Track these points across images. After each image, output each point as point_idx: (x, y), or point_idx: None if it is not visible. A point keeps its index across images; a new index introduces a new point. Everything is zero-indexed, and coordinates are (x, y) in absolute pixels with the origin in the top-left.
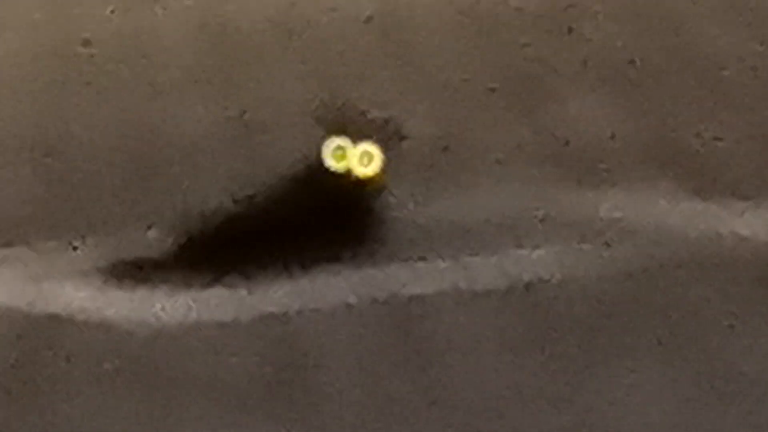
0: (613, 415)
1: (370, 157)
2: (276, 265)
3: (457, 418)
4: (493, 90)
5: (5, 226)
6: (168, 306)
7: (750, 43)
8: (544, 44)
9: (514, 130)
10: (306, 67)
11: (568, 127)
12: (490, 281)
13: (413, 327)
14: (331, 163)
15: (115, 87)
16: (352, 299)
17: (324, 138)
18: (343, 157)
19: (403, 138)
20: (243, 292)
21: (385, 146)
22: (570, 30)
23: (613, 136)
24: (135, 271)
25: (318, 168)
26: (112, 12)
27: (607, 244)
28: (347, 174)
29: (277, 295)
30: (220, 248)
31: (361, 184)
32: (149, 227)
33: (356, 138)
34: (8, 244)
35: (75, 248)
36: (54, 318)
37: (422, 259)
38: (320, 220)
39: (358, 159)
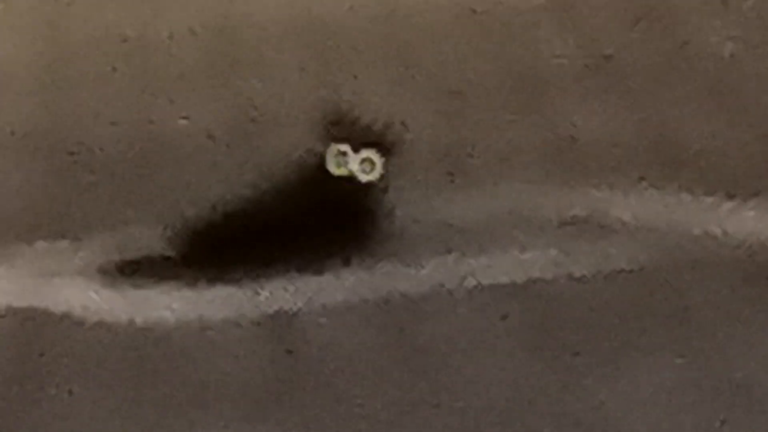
0: (613, 415)
1: (372, 164)
2: (277, 266)
3: (457, 418)
4: (493, 91)
5: (5, 224)
6: (169, 306)
7: (750, 43)
8: (545, 44)
9: (515, 130)
10: (307, 69)
11: (568, 127)
12: (490, 281)
13: (414, 327)
14: (333, 168)
15: (115, 86)
16: (354, 299)
17: (325, 143)
18: (344, 162)
19: (404, 142)
20: (243, 292)
21: (386, 151)
22: (570, 30)
23: (613, 137)
24: (135, 271)
25: (319, 171)
26: (113, 10)
27: (608, 244)
28: (348, 180)
29: (278, 295)
30: (221, 248)
31: (363, 188)
32: (150, 227)
33: (357, 144)
34: (8, 243)
35: (75, 247)
36: (54, 317)
37: (422, 259)
38: (321, 221)
39: (359, 165)
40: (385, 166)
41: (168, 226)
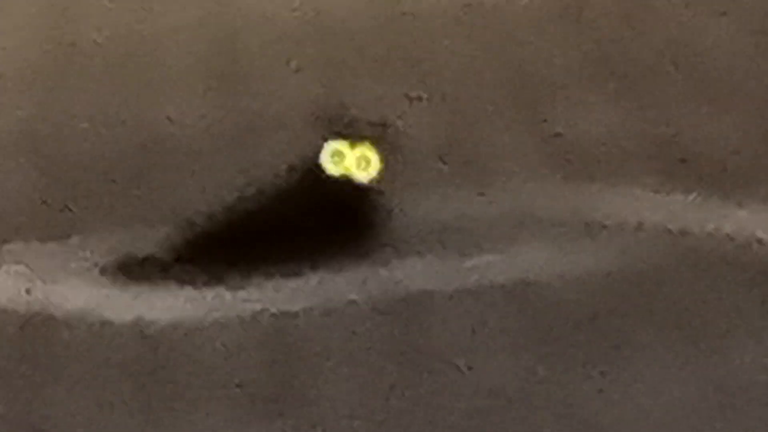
0: (613, 415)
1: (368, 161)
2: (276, 266)
3: (457, 417)
4: (492, 90)
5: (4, 224)
6: (168, 306)
7: (750, 44)
8: (545, 44)
9: (514, 130)
10: (305, 70)
11: (567, 127)
12: (488, 281)
13: (413, 327)
14: (329, 166)
15: (115, 86)
16: (352, 299)
17: (322, 141)
18: (341, 160)
19: (402, 142)
20: (243, 291)
21: (383, 149)
22: (571, 30)
23: (613, 137)
24: (134, 271)
25: (317, 170)
26: (113, 11)
27: (608, 244)
28: (346, 177)
29: (277, 295)
30: (220, 249)
31: (360, 187)
32: (149, 226)
33: (354, 141)
34: (7, 242)
35: (75, 247)
36: (53, 317)
37: (421, 258)
38: (320, 221)
39: (356, 162)
40: (382, 163)
41: (167, 227)
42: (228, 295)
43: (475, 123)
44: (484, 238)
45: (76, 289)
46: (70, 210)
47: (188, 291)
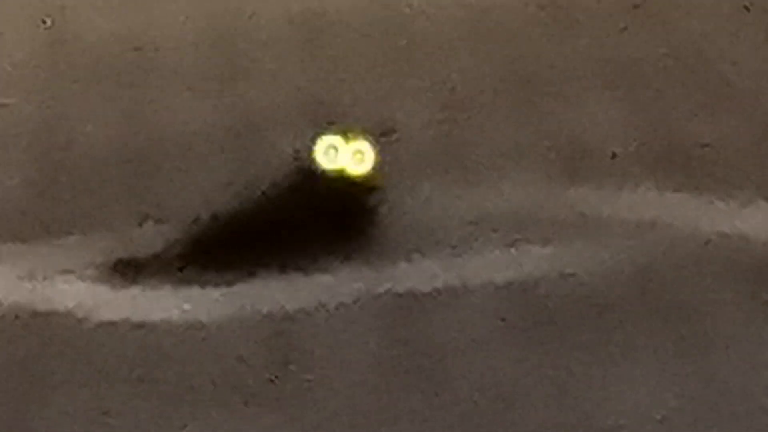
0: (613, 412)
1: (363, 155)
2: (275, 266)
3: (457, 414)
4: (492, 90)
5: (5, 224)
6: (168, 306)
7: (751, 45)
8: (545, 44)
9: (514, 129)
10: (305, 71)
11: (568, 128)
12: (489, 280)
13: (412, 325)
14: (324, 161)
15: (114, 86)
16: (351, 297)
17: (316, 137)
18: (335, 155)
19: (402, 142)
20: (241, 291)
21: (379, 145)
22: (571, 31)
23: (614, 137)
24: (133, 270)
25: (314, 167)
26: (112, 11)
27: (608, 244)
28: (341, 172)
29: (277, 295)
30: (219, 249)
31: (355, 182)
32: (148, 226)
33: (349, 136)
34: (5, 241)
35: (75, 248)
36: (54, 316)
37: (421, 257)
38: (319, 220)
39: (350, 157)
40: (377, 158)
41: (165, 227)
42: (227, 295)
43: (474, 122)
44: (484, 237)
45: (74, 289)
46: (69, 210)
47: (187, 291)
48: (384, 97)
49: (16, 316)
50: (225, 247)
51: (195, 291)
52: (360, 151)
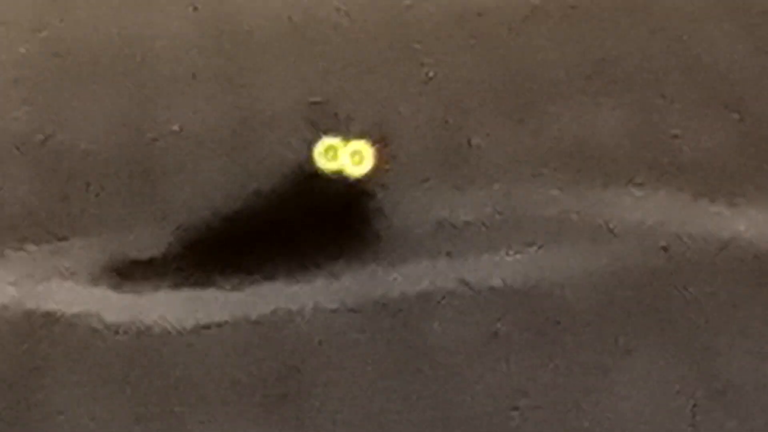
0: (614, 413)
1: (361, 156)
2: (274, 267)
3: (456, 417)
4: (491, 92)
5: (3, 227)
6: (166, 307)
7: (749, 46)
8: (545, 46)
9: (514, 130)
10: (304, 68)
11: (568, 129)
12: (489, 281)
13: (411, 327)
14: (322, 162)
15: (112, 86)
16: (351, 299)
17: (316, 138)
18: (335, 156)
19: (401, 143)
20: (241, 292)
21: (378, 146)
22: (570, 32)
23: (612, 139)
24: (132, 273)
25: (313, 168)
26: (112, 12)
27: (608, 246)
28: (340, 173)
29: (275, 296)
30: (218, 251)
31: (354, 183)
32: (147, 229)
33: (348, 137)
34: (5, 245)
35: (73, 250)
36: (51, 319)
37: (421, 258)
38: (319, 221)
39: (349, 158)
40: (376, 160)
41: (165, 229)
42: (226, 296)
43: (474, 123)
44: (483, 238)
45: (74, 291)
46: (69, 212)
47: (187, 292)
48: (384, 97)
49: (16, 319)
50: (224, 248)
51: (195, 292)
52: (359, 152)
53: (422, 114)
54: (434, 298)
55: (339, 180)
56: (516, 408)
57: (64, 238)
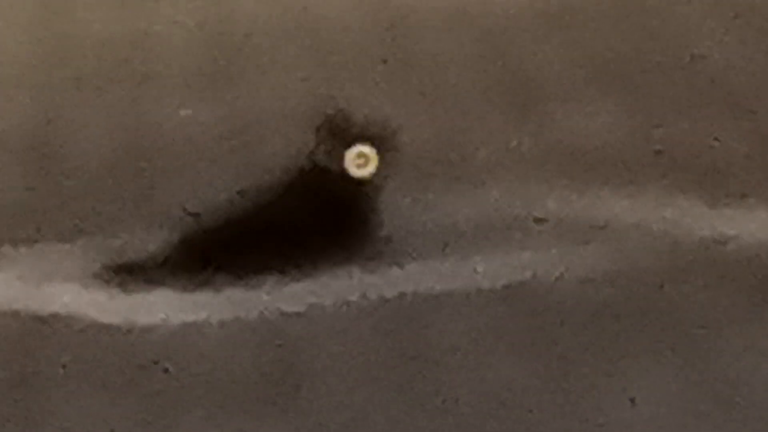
0: (613, 416)
1: (365, 158)
2: (274, 267)
3: (456, 418)
4: (491, 91)
5: (1, 226)
6: (164, 308)
7: (750, 46)
8: (543, 46)
9: (513, 131)
10: (305, 68)
11: (565, 129)
12: (489, 282)
13: (412, 328)
14: (325, 164)
15: (111, 87)
16: (351, 299)
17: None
18: (337, 158)
19: (400, 143)
20: (241, 293)
21: (381, 148)
22: (568, 32)
23: (611, 139)
24: (132, 272)
25: (315, 169)
26: (111, 11)
27: (607, 246)
28: (342, 175)
29: (275, 297)
30: (219, 249)
31: (356, 184)
32: (146, 228)
33: (350, 138)
34: (4, 245)
35: (70, 250)
36: (51, 320)
37: (421, 259)
38: (319, 221)
39: (352, 160)
40: (380, 161)
41: (164, 229)
42: (227, 297)
43: (474, 124)
44: (483, 239)
45: (70, 293)
46: (67, 213)
47: (186, 293)
48: (384, 98)
49: (14, 320)
50: (224, 249)
51: (194, 293)
52: (362, 154)
53: (422, 114)
54: (434, 298)
55: (341, 181)
56: (517, 410)
57: (62, 240)
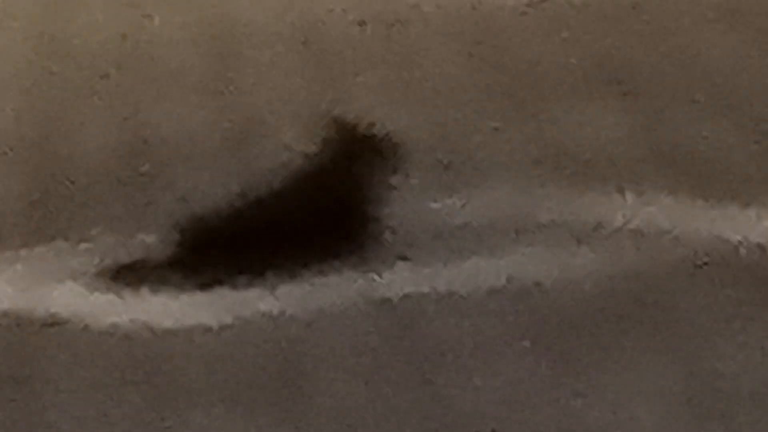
0: (612, 416)
1: (363, 157)
2: (274, 268)
3: (456, 419)
4: (491, 93)
5: (2, 229)
6: (164, 309)
7: (750, 45)
8: (543, 47)
9: (513, 132)
10: (305, 69)
11: (565, 131)
12: (489, 282)
13: (412, 328)
14: (324, 163)
15: (111, 87)
16: (351, 300)
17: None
18: (335, 157)
19: (400, 145)
20: (241, 293)
21: (381, 148)
22: (569, 32)
23: (611, 140)
24: (133, 274)
25: (314, 169)
26: (110, 11)
27: (607, 246)
28: (340, 174)
29: (275, 296)
30: (219, 250)
31: (358, 185)
32: (146, 229)
33: (351, 139)
34: (5, 248)
35: (70, 252)
36: (51, 322)
37: (421, 260)
38: (319, 222)
39: (351, 159)
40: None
41: (164, 230)
42: (227, 298)
43: (472, 126)
44: (482, 241)
45: (75, 295)
46: (64, 214)
47: (186, 294)
48: (383, 98)
49: (17, 323)
50: (224, 249)
51: (194, 294)
52: (362, 154)
53: (421, 114)
54: (434, 298)
55: (339, 180)
56: (517, 411)
57: (63, 242)
